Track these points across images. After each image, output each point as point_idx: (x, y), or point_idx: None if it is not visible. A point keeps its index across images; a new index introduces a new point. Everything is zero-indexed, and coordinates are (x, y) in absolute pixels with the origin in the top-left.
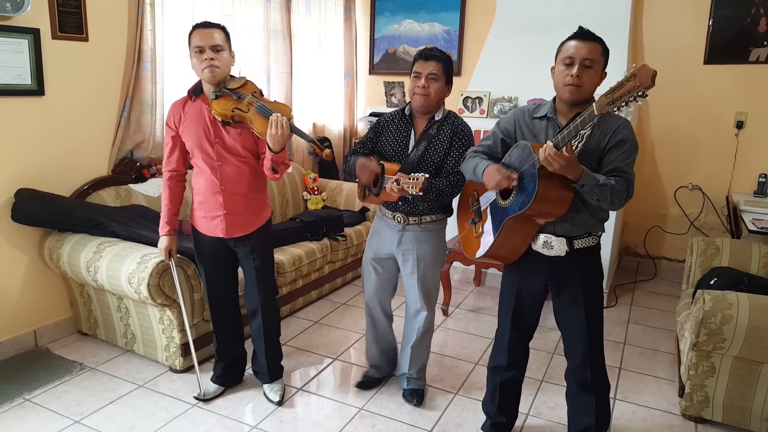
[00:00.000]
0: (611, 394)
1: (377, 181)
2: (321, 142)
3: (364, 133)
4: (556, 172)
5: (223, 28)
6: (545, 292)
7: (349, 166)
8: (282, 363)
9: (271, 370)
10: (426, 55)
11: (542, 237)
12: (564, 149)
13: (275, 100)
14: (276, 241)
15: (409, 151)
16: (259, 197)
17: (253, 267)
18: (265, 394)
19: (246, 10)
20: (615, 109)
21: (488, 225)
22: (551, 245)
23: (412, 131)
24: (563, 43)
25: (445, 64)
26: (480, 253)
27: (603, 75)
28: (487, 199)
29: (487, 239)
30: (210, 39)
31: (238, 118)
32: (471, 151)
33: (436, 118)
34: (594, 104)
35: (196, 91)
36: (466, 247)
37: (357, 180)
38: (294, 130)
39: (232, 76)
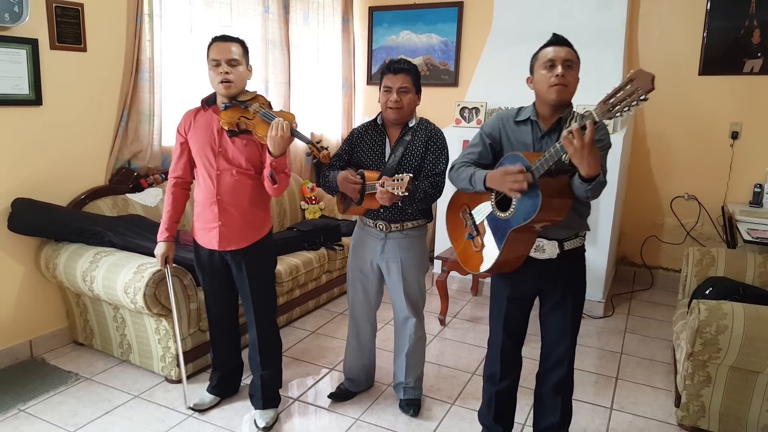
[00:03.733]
0: (607, 404)
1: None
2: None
3: None
4: (583, 157)
5: (241, 43)
6: (534, 295)
7: (329, 180)
8: (280, 392)
9: (266, 397)
10: (394, 68)
11: (535, 241)
12: (586, 135)
13: (281, 110)
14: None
15: (386, 159)
16: (258, 212)
17: (246, 282)
18: (254, 418)
19: (244, 21)
20: (618, 114)
21: (489, 238)
22: (543, 249)
23: (387, 140)
24: (538, 51)
25: (414, 76)
26: (485, 267)
27: (578, 80)
28: (481, 212)
29: (492, 253)
30: (227, 53)
31: (243, 126)
32: (460, 161)
33: (410, 125)
34: (593, 111)
35: (209, 101)
36: (467, 263)
37: (337, 193)
38: (294, 133)
39: (246, 91)
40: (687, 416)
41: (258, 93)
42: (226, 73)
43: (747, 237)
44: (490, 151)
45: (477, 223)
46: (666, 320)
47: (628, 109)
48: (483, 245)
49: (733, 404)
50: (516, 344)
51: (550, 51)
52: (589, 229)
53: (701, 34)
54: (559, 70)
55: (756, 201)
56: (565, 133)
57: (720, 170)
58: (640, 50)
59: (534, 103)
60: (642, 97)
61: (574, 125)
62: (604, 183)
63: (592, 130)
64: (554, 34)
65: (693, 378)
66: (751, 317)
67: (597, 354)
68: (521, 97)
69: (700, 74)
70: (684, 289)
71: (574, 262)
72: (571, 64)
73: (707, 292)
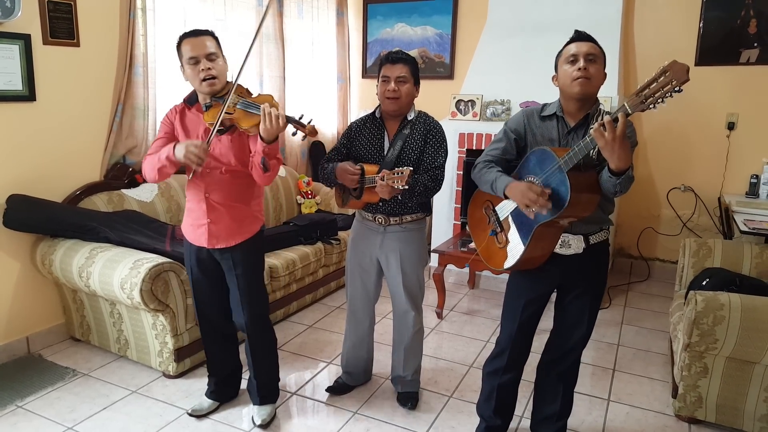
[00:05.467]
0: (604, 396)
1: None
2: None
3: None
4: (614, 150)
5: (212, 34)
6: (553, 290)
7: (327, 172)
8: (278, 386)
9: (262, 393)
10: (392, 58)
11: (560, 237)
12: (618, 127)
13: (258, 94)
14: (270, 245)
15: (384, 153)
16: (247, 209)
17: (236, 282)
18: (251, 414)
19: (238, 14)
20: (651, 106)
21: (513, 234)
22: (569, 244)
23: (385, 133)
24: (561, 49)
25: (412, 66)
26: (509, 263)
27: (604, 75)
28: (506, 208)
29: (517, 249)
30: (203, 48)
31: (227, 123)
32: (483, 160)
33: (409, 118)
34: (626, 103)
35: (191, 101)
36: (490, 259)
37: (336, 186)
38: (288, 119)
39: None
40: (684, 407)
41: (232, 81)
42: (209, 69)
43: (743, 228)
44: (515, 146)
45: (501, 219)
46: (663, 311)
47: (662, 101)
48: (507, 241)
49: (730, 395)
50: (528, 338)
51: (572, 47)
52: (612, 224)
53: (697, 25)
54: (581, 63)
55: (752, 192)
56: (596, 125)
57: (716, 161)
58: (636, 41)
59: (559, 99)
60: (676, 89)
61: (607, 117)
62: (632, 178)
63: (624, 123)
64: (576, 31)
65: (690, 369)
66: (748, 308)
67: (594, 345)
68: (517, 88)
69: (696, 65)
70: (681, 280)
71: (598, 256)
72: (594, 57)
73: (704, 283)
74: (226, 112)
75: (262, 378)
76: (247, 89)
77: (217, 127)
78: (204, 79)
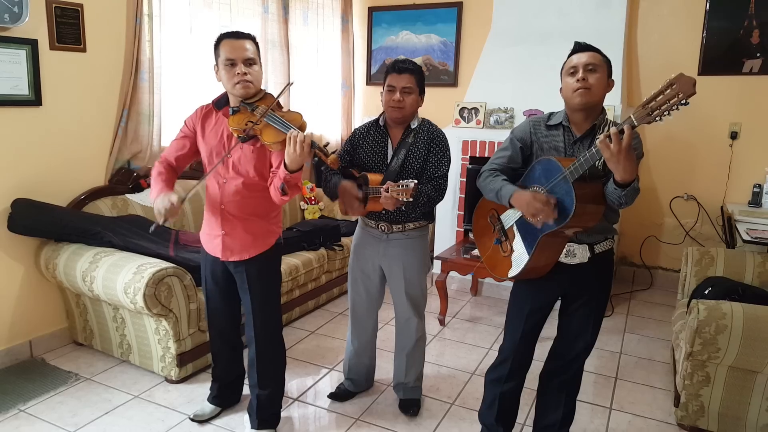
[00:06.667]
0: (607, 404)
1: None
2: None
3: None
4: (619, 162)
5: (254, 39)
6: (557, 299)
7: (330, 187)
8: (280, 411)
9: (261, 417)
10: (399, 68)
11: (565, 246)
12: (624, 139)
13: (288, 110)
14: None
15: (388, 161)
16: (263, 223)
17: (248, 296)
18: None
19: (244, 21)
20: (657, 118)
21: (518, 243)
22: (574, 253)
23: (389, 141)
24: (565, 60)
25: (418, 76)
26: (514, 272)
27: (611, 83)
28: (511, 217)
29: (521, 258)
30: (243, 51)
31: (251, 132)
32: (488, 168)
33: (412, 127)
34: (632, 115)
35: (219, 104)
36: (495, 268)
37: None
38: (314, 146)
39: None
40: (686, 416)
41: (267, 92)
42: (245, 74)
43: (746, 237)
44: (521, 154)
45: (506, 227)
46: (665, 320)
47: (668, 114)
48: (512, 250)
49: (732, 404)
50: (531, 347)
51: (573, 58)
52: (617, 233)
53: (700, 35)
54: (580, 74)
55: (755, 201)
56: (601, 137)
57: (719, 170)
58: (640, 50)
59: (565, 109)
60: (683, 102)
61: (613, 129)
62: (638, 190)
63: (630, 135)
64: (576, 42)
65: (692, 378)
66: (750, 317)
67: (596, 354)
68: (520, 97)
69: (699, 74)
70: (683, 289)
71: (603, 264)
72: (595, 67)
73: (706, 292)
74: (252, 121)
75: (262, 401)
76: (278, 103)
77: (241, 134)
78: (237, 83)
